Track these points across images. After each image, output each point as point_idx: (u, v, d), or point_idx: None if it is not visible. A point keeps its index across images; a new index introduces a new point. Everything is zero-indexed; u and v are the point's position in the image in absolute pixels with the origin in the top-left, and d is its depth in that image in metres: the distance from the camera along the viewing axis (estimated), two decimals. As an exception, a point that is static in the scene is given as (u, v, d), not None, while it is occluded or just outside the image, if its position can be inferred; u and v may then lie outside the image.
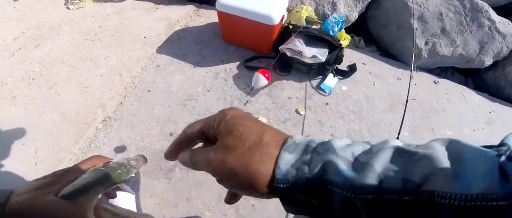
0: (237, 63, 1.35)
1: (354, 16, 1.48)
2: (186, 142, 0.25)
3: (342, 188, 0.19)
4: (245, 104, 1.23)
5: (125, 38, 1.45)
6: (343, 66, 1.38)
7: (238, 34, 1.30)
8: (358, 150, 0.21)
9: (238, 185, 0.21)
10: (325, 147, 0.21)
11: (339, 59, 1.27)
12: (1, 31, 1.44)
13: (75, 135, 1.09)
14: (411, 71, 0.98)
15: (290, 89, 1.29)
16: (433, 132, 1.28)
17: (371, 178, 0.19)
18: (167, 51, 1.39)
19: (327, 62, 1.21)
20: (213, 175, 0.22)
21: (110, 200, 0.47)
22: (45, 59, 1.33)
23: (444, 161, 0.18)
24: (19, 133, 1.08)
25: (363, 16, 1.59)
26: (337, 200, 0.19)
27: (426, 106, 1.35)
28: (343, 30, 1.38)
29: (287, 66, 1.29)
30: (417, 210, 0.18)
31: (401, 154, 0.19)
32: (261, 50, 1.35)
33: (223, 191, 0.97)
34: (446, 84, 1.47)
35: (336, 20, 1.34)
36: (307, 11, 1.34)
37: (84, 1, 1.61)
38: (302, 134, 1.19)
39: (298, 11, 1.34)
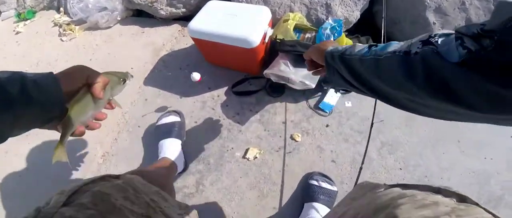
0: (225, 88, 1.24)
1: (355, 16, 1.27)
2: None
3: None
4: (235, 135, 1.12)
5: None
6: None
7: (221, 57, 1.19)
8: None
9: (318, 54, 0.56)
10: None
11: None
12: (8, 68, 1.50)
13: (82, 169, 1.11)
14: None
15: (284, 113, 1.15)
16: (459, 145, 1.06)
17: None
18: (153, 82, 1.33)
19: (324, 79, 1.05)
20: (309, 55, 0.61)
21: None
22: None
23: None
24: (32, 167, 1.11)
25: (369, 12, 1.37)
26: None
27: None
28: (343, 35, 1.19)
29: (280, 87, 1.15)
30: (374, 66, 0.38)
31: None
32: (250, 71, 1.22)
33: (231, 211, 0.89)
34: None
35: (332, 26, 1.16)
36: (295, 20, 1.17)
37: (74, 31, 1.61)
38: (298, 164, 1.06)
39: (286, 20, 1.18)
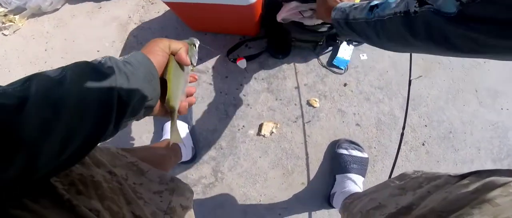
0: (219, 57, 1.03)
1: None
2: None
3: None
4: (244, 110, 0.97)
5: (78, 59, 1.13)
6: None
7: (208, 21, 0.95)
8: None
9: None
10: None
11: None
12: None
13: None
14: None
15: (295, 75, 0.98)
16: (477, 95, 0.97)
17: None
18: (131, 63, 1.09)
19: (337, 33, 0.86)
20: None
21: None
22: None
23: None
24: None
25: None
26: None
27: (464, 60, 1.01)
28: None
29: (285, 46, 0.95)
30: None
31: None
32: (246, 33, 1.00)
33: (246, 207, 0.79)
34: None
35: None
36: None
37: (15, 21, 1.29)
38: (321, 133, 0.94)
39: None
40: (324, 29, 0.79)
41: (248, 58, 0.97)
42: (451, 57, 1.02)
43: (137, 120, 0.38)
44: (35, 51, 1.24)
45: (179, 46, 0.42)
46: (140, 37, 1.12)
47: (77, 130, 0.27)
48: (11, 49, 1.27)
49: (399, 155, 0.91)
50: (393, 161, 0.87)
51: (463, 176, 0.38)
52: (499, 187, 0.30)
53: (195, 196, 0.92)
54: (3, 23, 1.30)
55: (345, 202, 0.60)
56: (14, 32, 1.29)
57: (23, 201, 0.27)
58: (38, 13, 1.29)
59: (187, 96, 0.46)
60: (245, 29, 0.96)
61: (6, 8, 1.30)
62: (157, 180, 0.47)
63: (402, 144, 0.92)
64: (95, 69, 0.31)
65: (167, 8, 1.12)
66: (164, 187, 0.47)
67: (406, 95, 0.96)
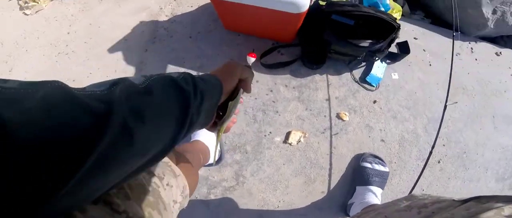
0: (251, 60, 1.02)
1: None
2: None
3: None
4: (272, 117, 0.97)
5: (102, 46, 1.14)
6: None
7: (246, 22, 0.94)
8: None
9: None
10: None
11: (392, 43, 0.91)
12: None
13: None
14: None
15: (327, 88, 0.98)
16: (493, 120, 1.01)
17: None
18: (158, 56, 1.08)
19: (378, 49, 0.86)
20: None
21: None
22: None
23: None
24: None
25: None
26: None
27: (487, 88, 1.04)
28: (391, -1, 0.96)
29: (321, 57, 0.95)
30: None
31: None
32: (281, 39, 0.99)
33: (262, 212, 0.79)
34: (510, 55, 1.13)
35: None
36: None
37: (39, 1, 1.25)
38: (347, 146, 0.95)
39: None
40: (366, 44, 0.79)
41: (280, 65, 0.97)
42: (475, 85, 1.05)
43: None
44: (57, 33, 1.20)
45: (247, 74, 0.43)
46: (170, 30, 1.10)
47: (153, 144, 0.26)
48: (31, 30, 1.23)
49: (413, 171, 0.96)
50: (409, 175, 0.94)
51: (465, 201, 0.42)
52: (494, 209, 0.35)
53: (214, 198, 0.93)
54: (25, 2, 1.26)
55: (354, 216, 0.64)
56: (36, 12, 1.25)
57: (73, 214, 0.25)
58: (64, -5, 1.25)
59: None
60: (282, 36, 0.95)
61: (31, -14, 1.26)
62: (181, 189, 0.46)
63: (420, 160, 0.96)
64: (179, 87, 0.30)
65: (200, 2, 1.10)
66: (181, 199, 0.46)
67: (431, 116, 1.00)
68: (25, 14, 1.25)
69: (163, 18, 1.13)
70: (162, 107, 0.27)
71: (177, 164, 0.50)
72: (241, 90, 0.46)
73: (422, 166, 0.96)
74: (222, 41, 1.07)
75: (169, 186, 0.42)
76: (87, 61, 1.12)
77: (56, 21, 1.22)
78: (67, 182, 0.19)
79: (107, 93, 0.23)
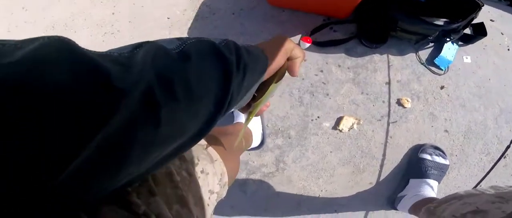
0: (298, 37, 0.94)
1: None
2: None
3: None
4: (321, 100, 0.89)
5: (146, 24, 1.14)
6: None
7: (299, -5, 0.85)
8: None
9: None
10: None
11: (470, 23, 0.76)
12: (21, 37, 1.27)
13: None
14: None
15: (387, 69, 0.86)
16: None
17: None
18: (201, 34, 1.03)
19: (454, 29, 0.73)
20: None
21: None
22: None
23: None
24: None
25: None
26: None
27: None
28: None
29: (383, 34, 0.83)
30: None
31: None
32: (335, 14, 0.89)
33: (301, 200, 0.83)
34: None
35: None
36: None
37: (85, -19, 1.28)
38: (405, 135, 0.84)
39: None
40: (440, 23, 0.67)
41: (333, 43, 0.87)
42: None
43: None
44: (102, 14, 1.23)
45: (298, 54, 0.37)
46: (213, 7, 1.05)
47: (186, 125, 0.21)
48: (78, 12, 1.27)
49: (474, 165, 0.83)
50: (469, 170, 0.83)
51: None
52: None
53: (251, 184, 0.89)
54: (73, -17, 1.29)
55: (429, 206, 0.57)
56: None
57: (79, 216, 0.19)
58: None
59: None
60: (336, 10, 0.85)
61: (77, -33, 1.29)
62: (219, 176, 0.40)
63: (484, 154, 0.83)
64: (221, 55, 0.24)
65: (244, -22, 1.03)
66: (218, 188, 0.40)
67: (504, 107, 0.85)
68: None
69: (205, -6, 1.08)
70: (200, 78, 0.21)
71: (217, 148, 0.44)
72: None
73: (486, 161, 0.85)
74: (266, 18, 0.99)
75: (204, 173, 0.36)
76: (132, 40, 1.12)
77: (101, 3, 1.25)
78: (57, 172, 0.13)
79: (128, 56, 0.18)
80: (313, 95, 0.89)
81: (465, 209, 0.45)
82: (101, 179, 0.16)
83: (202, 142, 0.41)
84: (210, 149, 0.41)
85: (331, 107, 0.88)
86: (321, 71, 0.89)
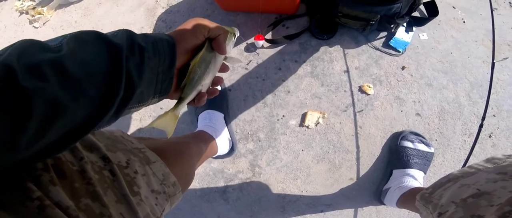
0: (253, 38, 0.93)
1: None
2: None
3: None
4: (284, 98, 0.86)
5: None
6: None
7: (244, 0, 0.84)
8: None
9: None
10: None
11: (414, 6, 0.75)
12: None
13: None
14: None
15: (344, 58, 0.85)
16: None
17: None
18: (159, 50, 1.02)
19: (397, 14, 0.72)
20: None
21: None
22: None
23: None
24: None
25: None
26: None
27: None
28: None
29: (331, 24, 0.82)
30: None
31: None
32: (284, 11, 0.88)
33: (284, 203, 0.82)
34: None
35: None
36: None
37: (44, 13, 1.28)
38: (375, 124, 0.81)
39: None
40: (379, 6, 0.65)
41: (286, 39, 0.86)
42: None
43: (145, 106, 0.33)
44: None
45: (218, 31, 0.37)
46: (168, 21, 1.05)
47: (67, 106, 0.22)
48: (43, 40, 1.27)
49: (460, 148, 0.79)
50: (455, 154, 0.79)
51: None
52: None
53: (232, 191, 0.85)
54: (32, 16, 1.29)
55: (423, 193, 0.52)
56: (43, 24, 1.29)
57: None
58: (65, 3, 1.27)
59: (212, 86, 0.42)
60: (283, 6, 0.84)
61: (34, 1, 1.30)
62: (160, 177, 0.40)
63: (466, 135, 0.79)
64: (106, 41, 0.26)
65: (196, -12, 1.03)
66: (164, 189, 0.40)
67: (473, 80, 0.82)
68: (35, 27, 1.29)
69: (160, 10, 1.08)
70: (76, 60, 0.23)
71: (164, 152, 0.44)
72: (223, 56, 0.40)
73: (471, 143, 0.80)
74: (223, 23, 0.96)
75: (138, 174, 0.36)
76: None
77: (63, 30, 1.24)
78: None
79: None
80: (275, 94, 0.87)
81: (465, 192, 0.40)
82: None
83: (140, 146, 0.42)
84: (148, 151, 0.41)
85: (294, 104, 0.85)
86: (280, 69, 0.87)
